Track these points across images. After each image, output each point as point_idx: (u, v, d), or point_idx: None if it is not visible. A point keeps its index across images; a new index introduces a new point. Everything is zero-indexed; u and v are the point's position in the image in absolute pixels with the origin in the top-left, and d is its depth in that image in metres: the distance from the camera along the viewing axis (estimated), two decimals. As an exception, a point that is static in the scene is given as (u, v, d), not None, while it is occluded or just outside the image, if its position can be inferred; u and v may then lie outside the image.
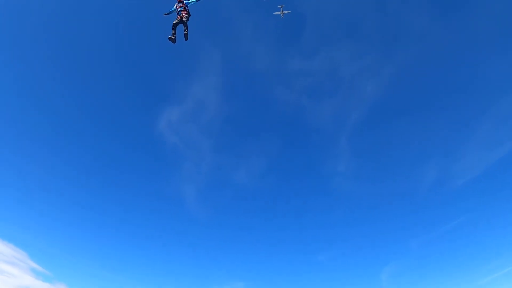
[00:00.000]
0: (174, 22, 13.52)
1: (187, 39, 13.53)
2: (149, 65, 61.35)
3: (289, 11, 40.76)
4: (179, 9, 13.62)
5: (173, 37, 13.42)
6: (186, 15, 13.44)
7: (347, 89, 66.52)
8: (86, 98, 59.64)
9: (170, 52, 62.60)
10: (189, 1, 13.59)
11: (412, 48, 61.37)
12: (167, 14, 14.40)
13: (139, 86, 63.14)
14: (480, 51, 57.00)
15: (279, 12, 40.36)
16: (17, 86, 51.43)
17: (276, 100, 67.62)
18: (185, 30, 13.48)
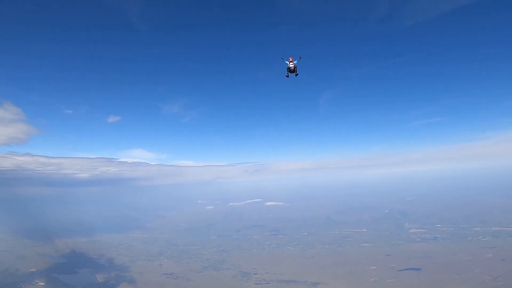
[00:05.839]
0: (288, 68, 23.61)
1: (296, 75, 24.15)
2: None
3: None
4: (290, 66, 23.62)
5: (288, 75, 24.05)
6: (294, 67, 23.68)
7: None
8: None
9: None
10: (296, 62, 23.56)
11: None
12: (288, 72, 23.88)
13: None
14: None
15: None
16: None
17: None
18: (296, 74, 23.95)
